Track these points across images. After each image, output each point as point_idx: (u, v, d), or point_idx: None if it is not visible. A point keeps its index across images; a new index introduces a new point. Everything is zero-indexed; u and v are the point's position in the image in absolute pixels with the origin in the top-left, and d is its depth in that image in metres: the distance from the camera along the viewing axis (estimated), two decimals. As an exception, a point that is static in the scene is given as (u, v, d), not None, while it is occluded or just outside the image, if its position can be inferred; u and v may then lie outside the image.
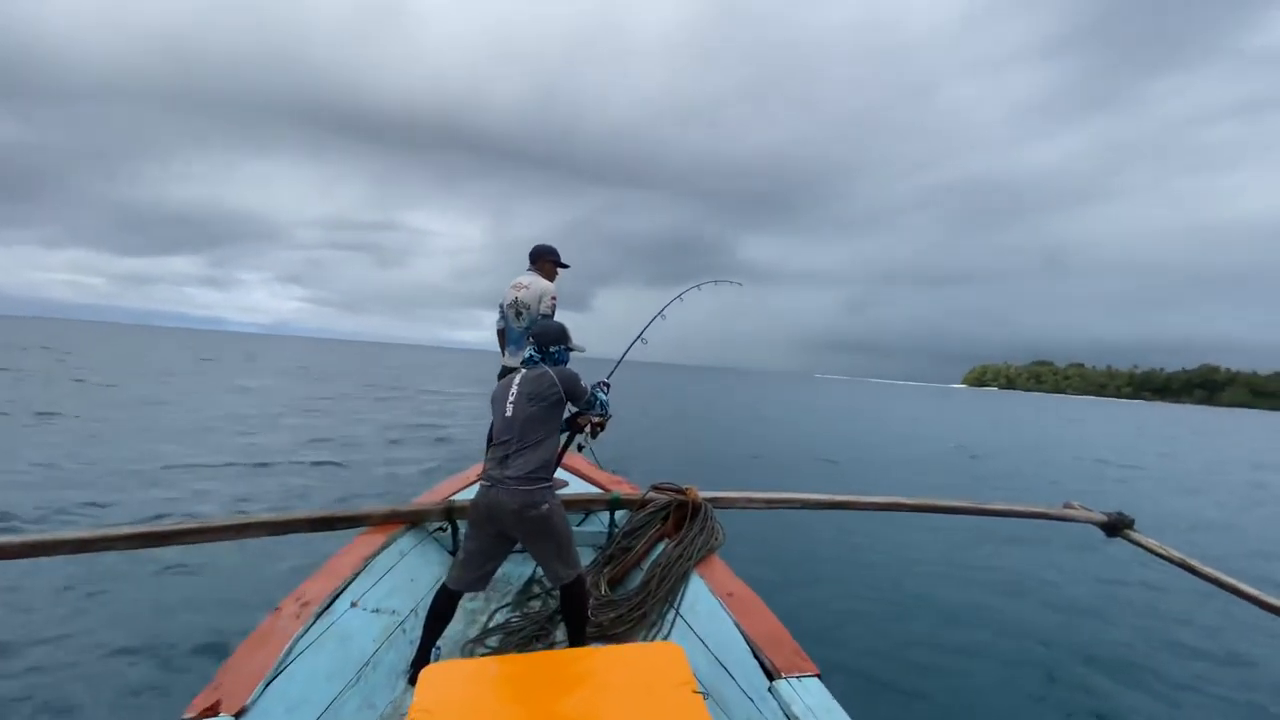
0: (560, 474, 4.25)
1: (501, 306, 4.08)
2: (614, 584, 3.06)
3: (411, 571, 2.97)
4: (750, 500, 3.27)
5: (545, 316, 3.85)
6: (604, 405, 2.93)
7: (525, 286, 3.93)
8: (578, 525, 3.67)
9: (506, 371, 3.92)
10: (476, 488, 2.56)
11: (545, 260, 4.07)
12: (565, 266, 4.20)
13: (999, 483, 12.19)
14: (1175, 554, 3.44)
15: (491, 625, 2.86)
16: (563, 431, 2.84)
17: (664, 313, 3.92)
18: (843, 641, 4.06)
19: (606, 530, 3.43)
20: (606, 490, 3.64)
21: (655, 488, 3.28)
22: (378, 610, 2.62)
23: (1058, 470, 14.92)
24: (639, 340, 3.85)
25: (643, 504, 3.25)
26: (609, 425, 3.11)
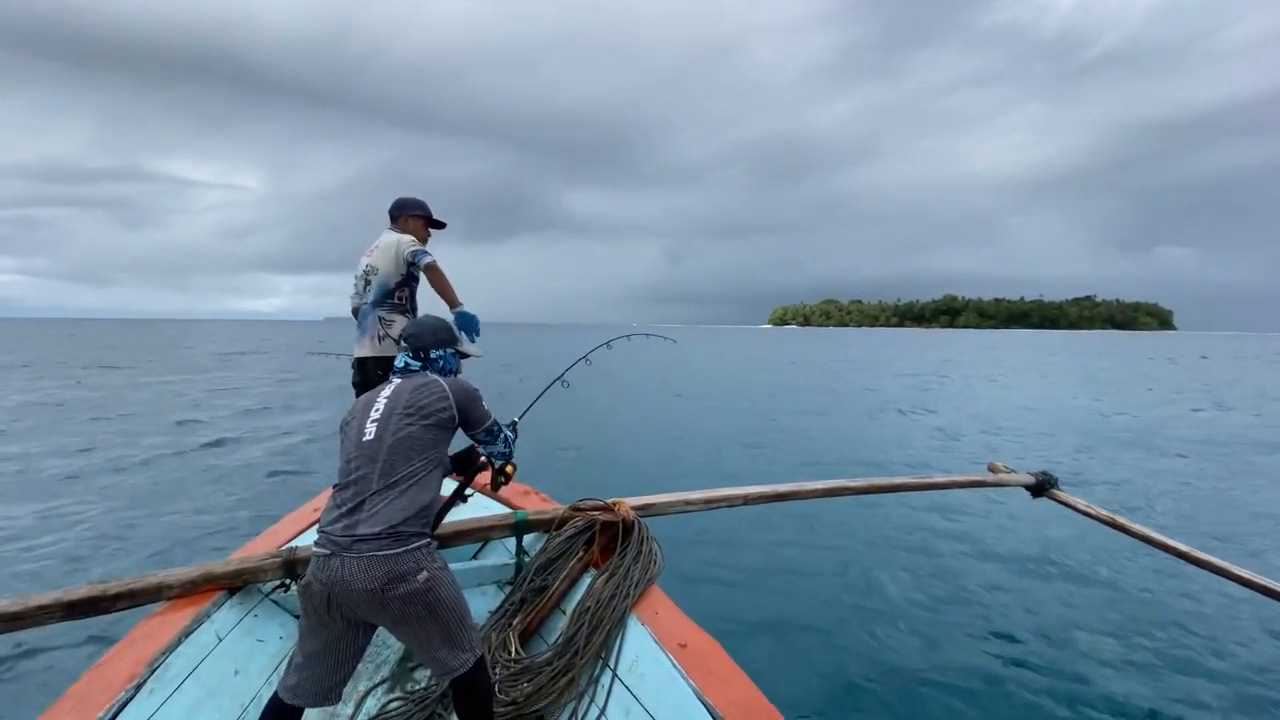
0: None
1: (355, 279, 3.31)
2: (527, 636, 2.34)
3: (236, 659, 2.08)
4: (687, 503, 2.71)
5: (404, 279, 3.15)
6: (509, 446, 2.24)
7: (376, 248, 3.19)
8: (473, 558, 2.90)
9: (360, 365, 3.21)
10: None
11: (409, 216, 3.28)
12: (439, 225, 3.40)
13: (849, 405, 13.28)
14: (1102, 512, 3.37)
15: (361, 716, 2.11)
16: (447, 473, 2.06)
17: (589, 357, 3.40)
18: (811, 677, 3.16)
19: (514, 560, 2.67)
20: (511, 507, 2.85)
21: (574, 507, 2.58)
22: None
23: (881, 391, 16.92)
24: (559, 382, 3.13)
25: (559, 525, 2.54)
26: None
